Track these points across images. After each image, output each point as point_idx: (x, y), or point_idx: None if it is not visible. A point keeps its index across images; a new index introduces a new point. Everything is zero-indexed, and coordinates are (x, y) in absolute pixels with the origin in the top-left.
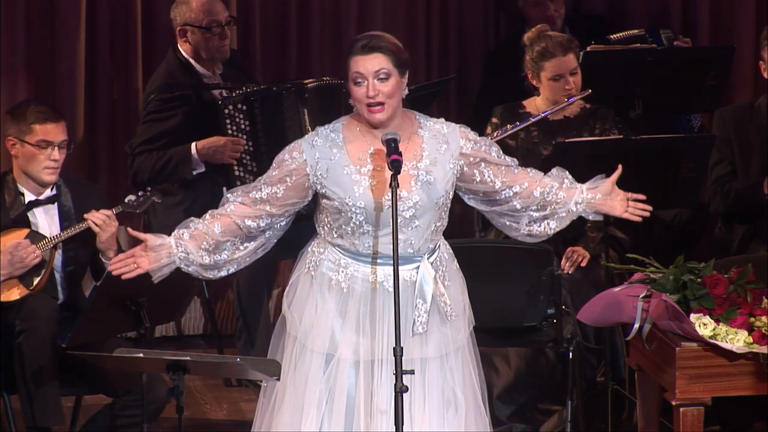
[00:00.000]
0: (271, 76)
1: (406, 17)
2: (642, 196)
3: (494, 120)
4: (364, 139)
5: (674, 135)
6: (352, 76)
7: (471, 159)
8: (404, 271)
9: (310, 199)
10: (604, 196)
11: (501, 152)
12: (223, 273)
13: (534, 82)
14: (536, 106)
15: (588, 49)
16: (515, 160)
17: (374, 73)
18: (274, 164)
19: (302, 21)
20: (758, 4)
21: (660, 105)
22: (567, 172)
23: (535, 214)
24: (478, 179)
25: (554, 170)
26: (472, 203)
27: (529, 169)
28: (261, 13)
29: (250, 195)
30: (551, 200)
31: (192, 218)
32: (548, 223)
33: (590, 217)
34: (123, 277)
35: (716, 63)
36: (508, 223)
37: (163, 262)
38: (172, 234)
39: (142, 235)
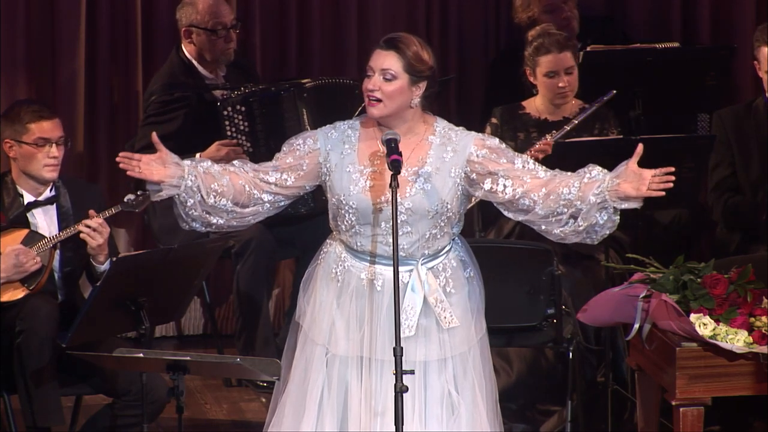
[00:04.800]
0: (271, 76)
1: (406, 17)
2: (670, 168)
3: (494, 120)
4: (376, 140)
5: (674, 135)
6: (366, 67)
7: (479, 167)
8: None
9: (315, 186)
10: (621, 180)
11: (529, 161)
12: (213, 220)
13: (531, 79)
14: (536, 106)
15: (588, 49)
16: (546, 169)
17: (381, 70)
18: (284, 147)
19: (302, 21)
20: (758, 4)
21: (660, 105)
22: (596, 167)
23: (564, 217)
24: (487, 188)
25: (587, 168)
26: (505, 213)
27: (553, 173)
28: (261, 13)
29: (260, 176)
30: (572, 198)
31: (206, 159)
32: (577, 223)
33: (623, 206)
34: (128, 173)
35: (716, 63)
36: (544, 228)
37: (171, 182)
38: (188, 162)
39: (161, 146)
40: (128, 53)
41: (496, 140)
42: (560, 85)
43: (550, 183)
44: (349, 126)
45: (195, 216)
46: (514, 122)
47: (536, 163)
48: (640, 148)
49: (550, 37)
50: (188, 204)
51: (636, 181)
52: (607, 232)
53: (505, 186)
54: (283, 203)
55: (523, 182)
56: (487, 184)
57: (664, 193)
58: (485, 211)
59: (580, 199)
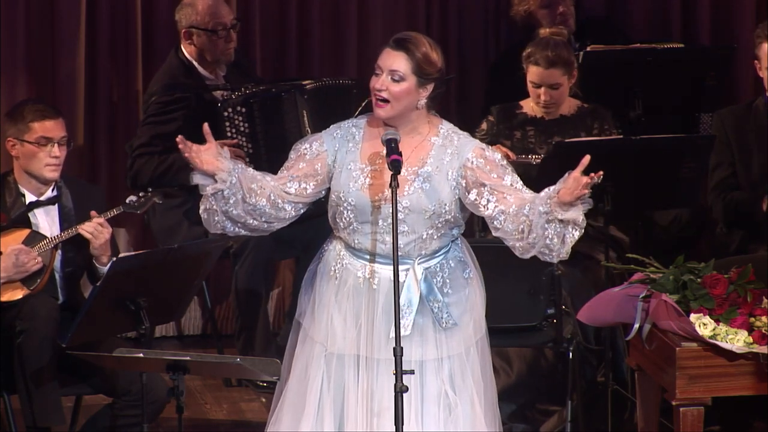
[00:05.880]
0: (271, 76)
1: (406, 17)
2: (600, 173)
3: (490, 118)
4: (379, 139)
5: (674, 135)
6: (375, 65)
7: (470, 175)
8: (390, 271)
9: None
10: (561, 187)
11: (518, 181)
12: (249, 221)
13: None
14: (532, 106)
15: (588, 49)
16: (531, 192)
17: (389, 70)
18: (292, 154)
19: (302, 21)
20: (758, 4)
21: (660, 105)
22: (558, 184)
23: (525, 234)
24: (471, 198)
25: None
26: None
27: (526, 193)
28: (261, 13)
29: (280, 187)
30: (528, 213)
31: (239, 161)
32: (530, 236)
33: (564, 215)
34: (185, 155)
35: (716, 63)
36: (510, 243)
37: (222, 176)
38: (230, 161)
39: (211, 137)
40: (128, 53)
41: (498, 155)
42: (542, 98)
43: (524, 203)
44: (353, 124)
45: (234, 215)
46: (510, 121)
47: (524, 185)
48: (586, 159)
49: (543, 52)
50: (230, 201)
51: (573, 186)
52: (563, 252)
53: (488, 201)
54: (303, 209)
55: (505, 200)
56: (473, 195)
57: (588, 191)
58: None
59: (532, 212)
